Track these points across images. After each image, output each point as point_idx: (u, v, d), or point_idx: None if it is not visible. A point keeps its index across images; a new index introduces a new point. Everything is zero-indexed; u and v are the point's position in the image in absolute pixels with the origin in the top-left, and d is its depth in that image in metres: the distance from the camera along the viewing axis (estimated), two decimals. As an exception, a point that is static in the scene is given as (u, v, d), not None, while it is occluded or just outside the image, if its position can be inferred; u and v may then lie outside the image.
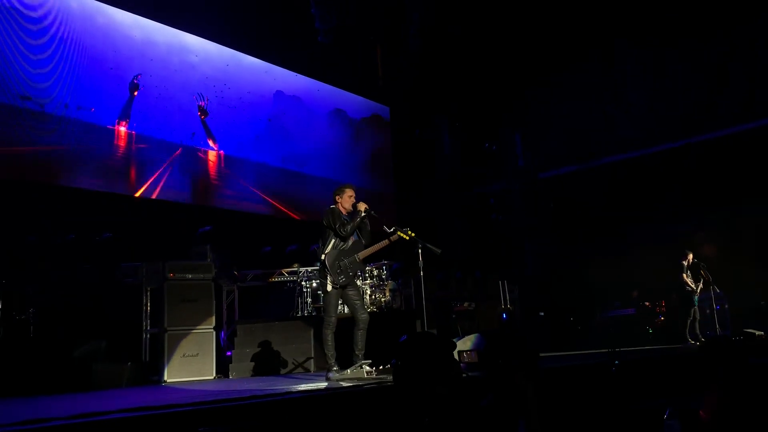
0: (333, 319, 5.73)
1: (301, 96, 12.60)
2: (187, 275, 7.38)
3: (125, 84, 9.62)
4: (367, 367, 5.50)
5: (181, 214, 9.83)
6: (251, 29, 11.36)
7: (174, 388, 6.28)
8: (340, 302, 6.03)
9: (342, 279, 5.69)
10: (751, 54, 11.90)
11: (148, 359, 7.44)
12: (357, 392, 4.36)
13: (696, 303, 9.70)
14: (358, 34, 13.37)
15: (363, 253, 5.89)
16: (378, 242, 5.98)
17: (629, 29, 13.01)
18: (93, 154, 9.06)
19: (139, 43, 9.97)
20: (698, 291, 9.74)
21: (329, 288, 5.69)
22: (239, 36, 11.27)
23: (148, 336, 7.56)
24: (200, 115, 10.59)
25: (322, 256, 5.76)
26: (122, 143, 9.52)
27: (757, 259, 10.88)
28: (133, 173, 9.55)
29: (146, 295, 7.64)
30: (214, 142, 10.83)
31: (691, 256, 9.88)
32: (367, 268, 8.73)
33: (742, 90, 12.05)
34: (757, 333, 9.28)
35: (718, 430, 2.91)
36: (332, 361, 5.67)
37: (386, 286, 8.93)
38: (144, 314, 7.60)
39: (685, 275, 9.77)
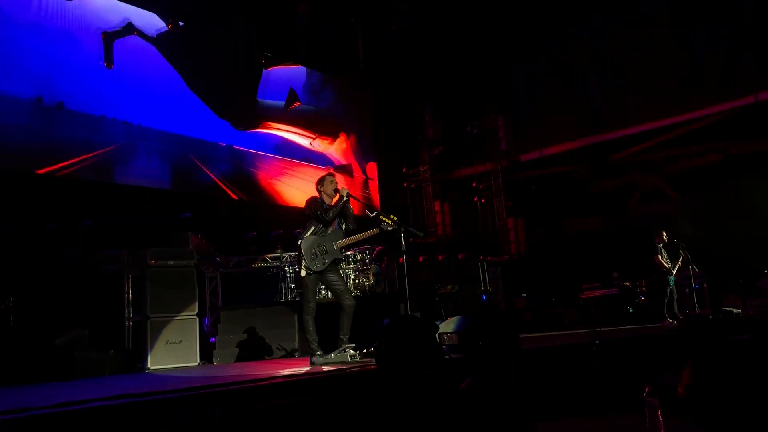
0: (312, 305, 5.73)
1: (280, 83, 12.51)
2: (169, 262, 7.31)
3: (98, 69, 9.48)
4: (351, 351, 5.53)
5: (162, 201, 9.76)
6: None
7: (157, 375, 6.26)
8: (321, 287, 6.02)
9: (316, 265, 5.66)
10: (733, 35, 11.98)
11: (131, 347, 7.39)
12: (340, 376, 4.38)
13: (672, 282, 9.81)
14: (340, 18, 13.27)
15: (343, 242, 5.87)
16: (362, 231, 5.96)
17: (611, 10, 13.05)
18: (71, 138, 8.97)
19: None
20: (676, 270, 9.85)
21: (303, 273, 5.68)
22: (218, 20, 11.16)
23: (131, 323, 7.51)
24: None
25: (299, 242, 5.75)
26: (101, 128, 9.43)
27: (735, 238, 11.04)
28: (109, 159, 9.47)
29: (128, 283, 7.58)
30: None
31: (665, 235, 9.97)
32: (350, 252, 8.74)
33: (724, 69, 12.13)
34: (735, 311, 9.44)
35: (695, 404, 2.97)
36: (315, 345, 5.68)
37: (370, 270, 8.94)
38: (126, 302, 7.54)
39: (659, 256, 9.86)
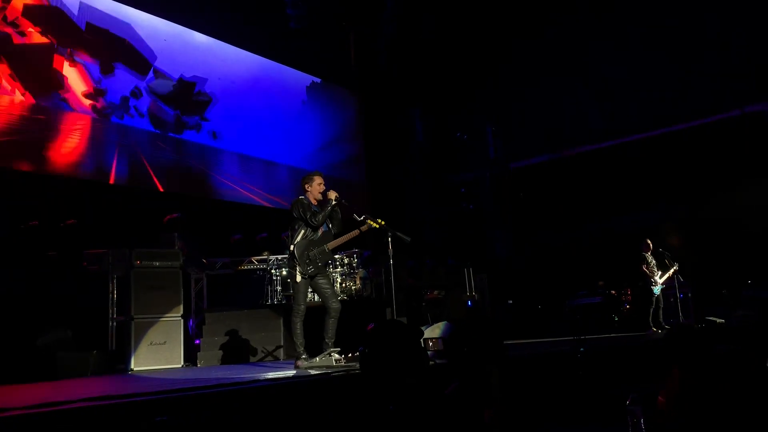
0: (302, 308, 5.72)
1: (271, 82, 12.48)
2: (154, 263, 7.27)
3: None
4: (336, 355, 5.51)
5: (148, 201, 9.69)
6: (221, 12, 11.21)
7: (140, 377, 6.21)
8: (310, 291, 6.00)
9: (311, 269, 5.66)
10: (723, 46, 12.10)
11: (114, 348, 7.32)
12: (324, 380, 4.36)
13: (658, 291, 9.87)
14: (331, 21, 13.27)
15: (332, 243, 5.87)
16: (348, 232, 5.97)
17: (602, 20, 13.16)
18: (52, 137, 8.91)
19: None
20: (662, 280, 9.91)
21: (298, 278, 5.66)
22: (207, 18, 11.11)
23: (115, 324, 7.44)
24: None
25: (291, 247, 5.72)
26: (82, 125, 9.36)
27: (720, 248, 11.13)
28: (96, 157, 9.40)
29: (112, 283, 7.51)
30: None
31: (651, 245, 10.04)
32: (338, 256, 8.72)
33: (713, 81, 12.25)
34: (718, 321, 9.51)
35: (676, 415, 2.98)
36: (301, 349, 5.66)
37: (357, 274, 8.92)
38: (110, 302, 7.47)
39: (644, 266, 9.92)
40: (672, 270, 9.88)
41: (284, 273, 8.63)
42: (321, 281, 5.80)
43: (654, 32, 12.59)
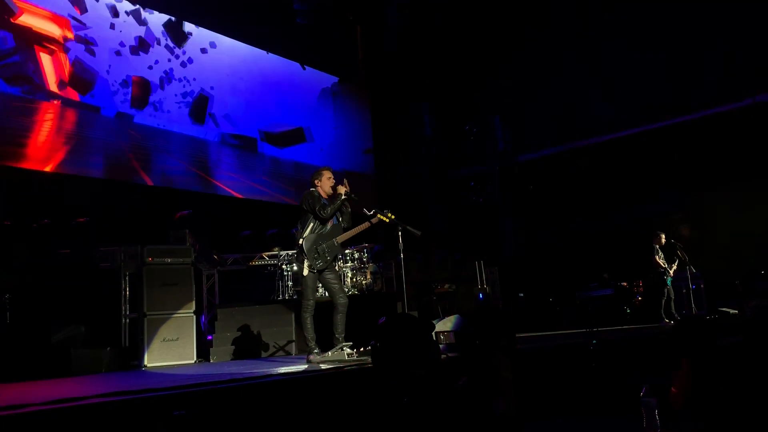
0: (311, 303, 5.72)
1: (278, 77, 12.48)
2: (166, 259, 7.32)
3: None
4: (348, 350, 5.52)
5: (160, 198, 9.74)
6: (226, 7, 11.22)
7: (154, 373, 6.25)
8: (319, 285, 6.01)
9: (319, 263, 5.66)
10: (730, 36, 11.99)
11: (127, 344, 7.38)
12: (337, 374, 4.37)
13: (669, 283, 9.82)
14: (338, 15, 13.25)
15: (342, 237, 5.86)
16: (358, 225, 5.96)
17: (607, 9, 13.07)
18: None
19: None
20: (673, 271, 9.87)
21: (306, 272, 5.67)
22: (212, 14, 11.13)
23: (128, 321, 7.50)
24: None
25: (300, 240, 5.73)
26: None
27: (732, 239, 11.05)
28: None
29: (125, 280, 7.56)
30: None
31: (663, 237, 9.99)
32: (348, 250, 8.73)
33: (720, 71, 12.14)
34: (731, 311, 9.45)
35: (687, 405, 2.97)
36: (312, 343, 5.67)
37: (367, 268, 8.94)
38: (123, 299, 7.52)
39: (657, 257, 9.87)
40: (677, 261, 9.83)
41: (295, 268, 8.66)
42: (329, 276, 5.79)
43: (663, 21, 12.48)
